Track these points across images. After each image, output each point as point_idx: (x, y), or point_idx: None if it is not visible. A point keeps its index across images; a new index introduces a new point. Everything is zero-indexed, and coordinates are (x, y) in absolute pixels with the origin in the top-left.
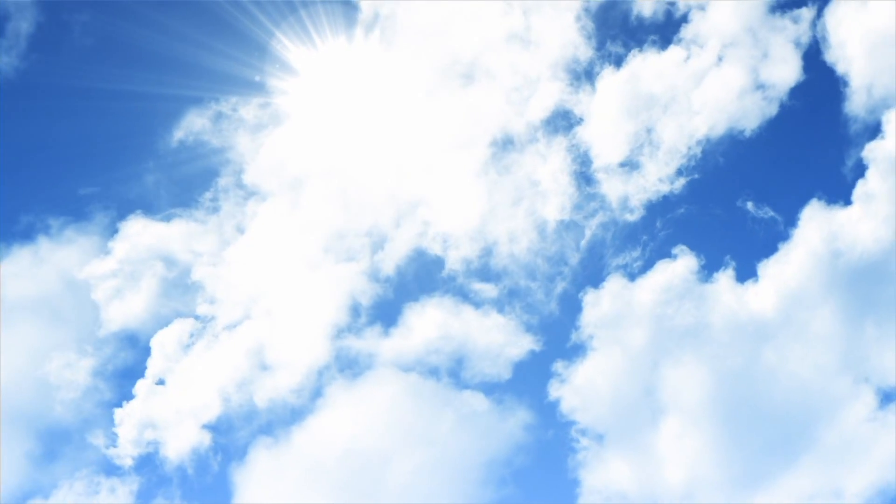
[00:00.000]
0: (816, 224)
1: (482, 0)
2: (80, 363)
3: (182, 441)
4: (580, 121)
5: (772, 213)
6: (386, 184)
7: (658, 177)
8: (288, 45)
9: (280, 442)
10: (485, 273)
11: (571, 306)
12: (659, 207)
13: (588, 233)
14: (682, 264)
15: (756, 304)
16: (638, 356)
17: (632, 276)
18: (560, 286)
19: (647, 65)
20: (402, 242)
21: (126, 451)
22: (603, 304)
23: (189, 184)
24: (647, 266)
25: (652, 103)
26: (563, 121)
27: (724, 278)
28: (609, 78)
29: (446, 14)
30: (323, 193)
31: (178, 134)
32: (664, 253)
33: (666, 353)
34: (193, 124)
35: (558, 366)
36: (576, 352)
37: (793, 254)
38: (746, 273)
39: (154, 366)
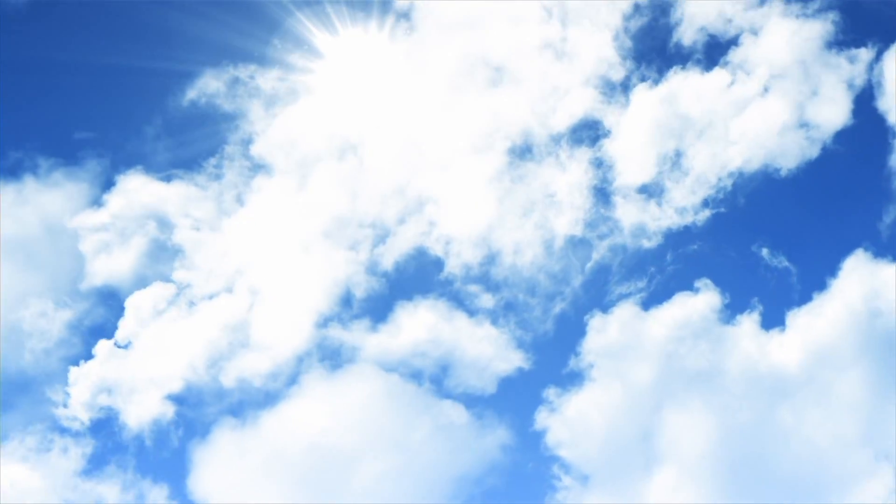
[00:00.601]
0: (858, 277)
1: (520, 3)
2: (57, 314)
3: (143, 409)
4: (607, 133)
5: (809, 260)
6: (396, 177)
7: (682, 205)
8: (315, 25)
9: (246, 425)
10: (484, 281)
11: (571, 329)
12: (678, 237)
13: (598, 254)
14: (703, 300)
15: (779, 355)
16: (640, 394)
17: (646, 305)
18: (559, 306)
19: (687, 85)
20: (405, 239)
21: (76, 413)
22: (610, 331)
23: (194, 146)
24: (665, 296)
25: (687, 126)
26: (589, 131)
27: (748, 322)
28: (644, 93)
29: (480, 14)
30: (331, 178)
31: (191, 94)
32: (685, 285)
33: (671, 395)
34: (207, 86)
35: (550, 392)
36: (571, 379)
37: (827, 306)
38: (773, 320)
39: (125, 327)
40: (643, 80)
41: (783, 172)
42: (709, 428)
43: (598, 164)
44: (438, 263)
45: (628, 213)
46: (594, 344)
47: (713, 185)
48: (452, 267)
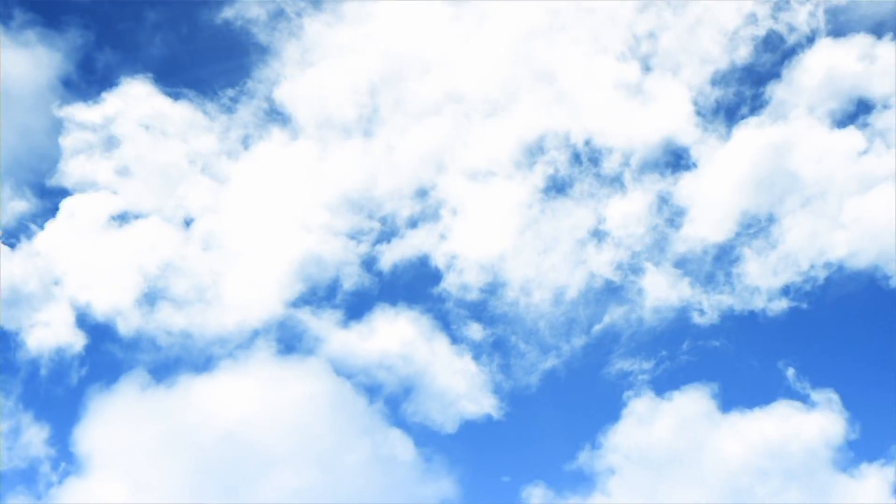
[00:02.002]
0: None
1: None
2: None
3: (48, 333)
4: (690, 166)
5: (863, 415)
6: (422, 176)
7: (754, 283)
8: None
9: (162, 386)
10: (479, 310)
11: (557, 389)
12: (736, 321)
13: (614, 316)
14: (697, 403)
15: None
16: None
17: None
18: (552, 362)
19: (808, 135)
20: (412, 245)
21: None
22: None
23: (214, 70)
24: (671, 386)
25: (792, 186)
26: (669, 156)
27: None
28: (752, 130)
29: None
30: (352, 154)
31: (228, 12)
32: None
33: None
34: (248, 10)
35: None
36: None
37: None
38: None
39: (52, 231)
40: (754, 111)
41: (894, 283)
42: None
43: (664, 200)
44: (436, 275)
45: (686, 275)
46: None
47: (803, 270)
48: (450, 284)
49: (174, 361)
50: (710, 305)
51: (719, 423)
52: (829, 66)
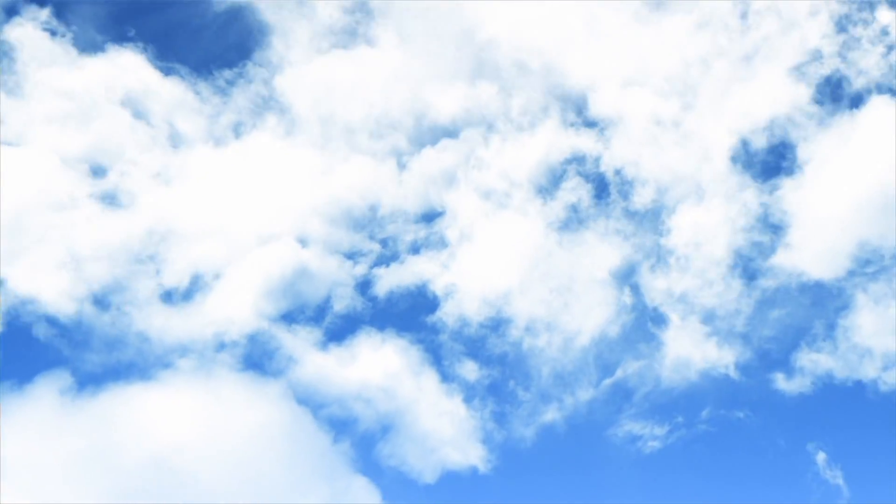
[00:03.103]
0: None
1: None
2: None
3: None
4: (794, 169)
5: None
6: (432, 198)
7: (866, 345)
8: None
9: (86, 395)
10: (477, 347)
11: (555, 447)
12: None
13: (638, 367)
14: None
15: None
16: None
17: (646, 459)
18: (552, 415)
19: None
20: (412, 273)
21: None
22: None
23: (212, 48)
24: (680, 461)
25: None
26: (771, 155)
27: None
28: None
29: None
30: (357, 161)
31: None
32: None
33: None
34: None
35: None
36: None
37: None
38: None
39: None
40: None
41: None
42: None
43: (765, 213)
44: (432, 303)
45: (705, 330)
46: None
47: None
48: (447, 314)
49: (114, 365)
50: (738, 368)
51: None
52: None
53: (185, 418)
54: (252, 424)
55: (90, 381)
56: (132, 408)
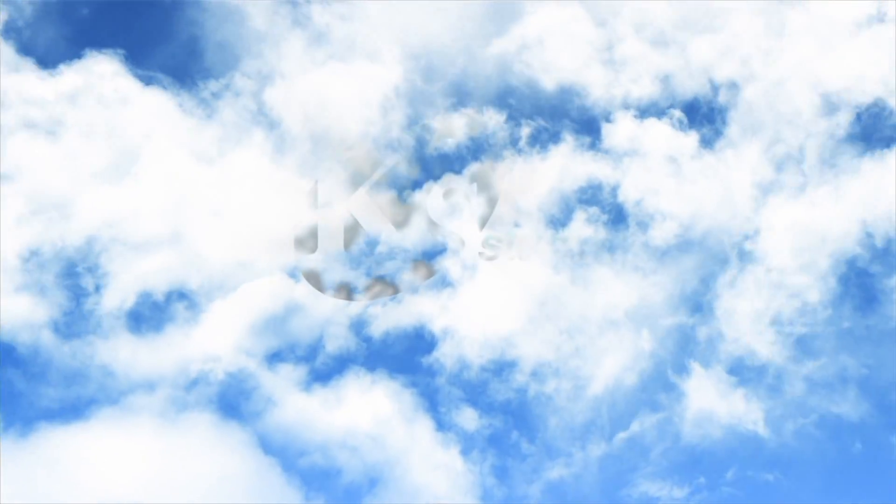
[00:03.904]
0: None
1: None
2: None
3: None
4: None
5: None
6: (434, 230)
7: None
8: None
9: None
10: (477, 393)
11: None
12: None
13: (649, 423)
14: None
15: None
16: None
17: None
18: (559, 471)
19: None
20: (410, 314)
21: None
22: None
23: (197, 57)
24: None
25: None
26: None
27: None
28: None
29: None
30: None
31: None
32: None
33: None
34: None
35: None
36: None
37: None
38: None
39: None
40: None
41: None
42: None
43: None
44: (429, 343)
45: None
46: None
47: None
48: (444, 354)
49: (73, 400)
50: (768, 424)
51: None
52: None
53: (141, 464)
54: (215, 475)
55: (40, 418)
56: (82, 450)
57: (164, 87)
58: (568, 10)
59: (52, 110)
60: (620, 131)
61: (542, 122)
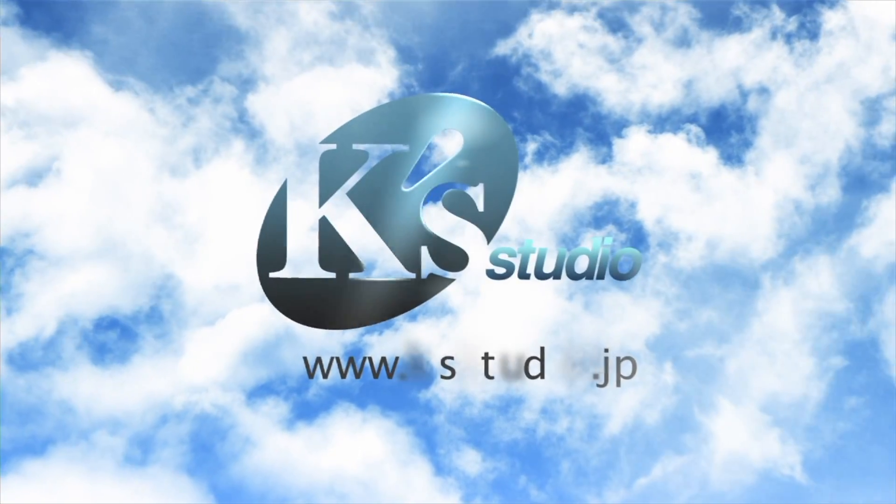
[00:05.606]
0: None
1: None
2: None
3: None
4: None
5: None
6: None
7: None
8: None
9: None
10: (480, 433)
11: None
12: None
13: (672, 467)
14: None
15: None
16: None
17: None
18: None
19: None
20: (407, 342)
21: None
22: None
23: (173, 60)
24: None
25: None
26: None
27: None
28: None
29: None
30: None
31: None
32: None
33: None
34: None
35: None
36: None
37: None
38: None
39: None
40: None
41: None
42: None
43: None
44: (427, 376)
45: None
46: None
47: None
48: (443, 390)
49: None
50: (806, 469)
51: None
52: None
53: None
54: None
55: None
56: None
57: (137, 94)
58: (579, 9)
59: (15, 115)
60: (638, 143)
61: (550, 134)
